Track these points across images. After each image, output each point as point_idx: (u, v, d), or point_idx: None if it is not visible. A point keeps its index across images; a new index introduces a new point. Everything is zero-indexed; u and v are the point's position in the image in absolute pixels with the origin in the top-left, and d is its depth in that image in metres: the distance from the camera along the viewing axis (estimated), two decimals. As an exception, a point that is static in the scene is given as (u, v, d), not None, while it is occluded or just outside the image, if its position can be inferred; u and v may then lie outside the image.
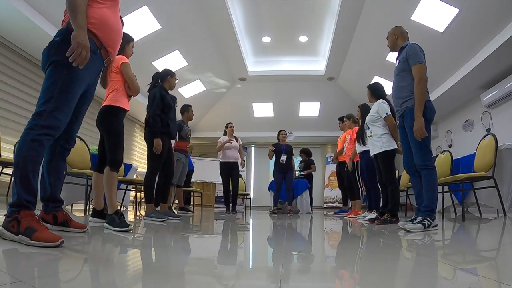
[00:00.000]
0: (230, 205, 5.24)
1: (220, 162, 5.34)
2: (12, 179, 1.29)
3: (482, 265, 1.15)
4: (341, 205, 6.96)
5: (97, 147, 2.39)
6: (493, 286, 0.83)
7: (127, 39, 2.47)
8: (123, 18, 1.82)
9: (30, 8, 4.06)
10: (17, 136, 4.39)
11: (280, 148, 5.54)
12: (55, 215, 1.56)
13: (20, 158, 1.24)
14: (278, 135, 5.71)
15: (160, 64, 6.33)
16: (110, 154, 2.22)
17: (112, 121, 2.21)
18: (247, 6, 5.74)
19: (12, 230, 1.17)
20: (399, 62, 2.41)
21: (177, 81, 3.45)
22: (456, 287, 0.87)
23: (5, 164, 3.66)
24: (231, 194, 5.27)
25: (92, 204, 4.57)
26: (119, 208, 2.19)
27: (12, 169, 1.31)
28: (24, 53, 4.74)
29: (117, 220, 1.99)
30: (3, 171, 3.71)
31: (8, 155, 4.12)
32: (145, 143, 3.16)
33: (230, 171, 5.22)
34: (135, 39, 5.70)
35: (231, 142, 5.23)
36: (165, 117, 3.12)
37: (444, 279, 0.95)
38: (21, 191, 1.22)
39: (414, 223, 2.12)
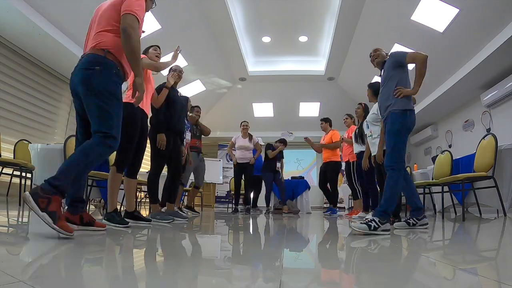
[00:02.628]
0: (248, 205, 5.15)
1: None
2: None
3: (482, 265, 1.15)
4: (341, 205, 6.89)
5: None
6: (493, 286, 0.83)
7: (152, 46, 2.69)
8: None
9: (30, 8, 4.06)
10: (17, 136, 4.40)
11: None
12: (81, 216, 1.69)
13: (83, 158, 1.45)
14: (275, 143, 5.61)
15: (160, 64, 6.33)
16: (117, 154, 2.27)
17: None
18: (247, 6, 5.75)
19: (40, 204, 1.25)
20: (384, 71, 2.47)
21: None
22: (456, 287, 0.87)
23: (5, 164, 3.66)
24: (244, 196, 5.18)
25: (92, 204, 4.60)
26: (117, 208, 2.25)
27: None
28: (24, 53, 4.74)
29: (117, 217, 2.14)
30: (3, 171, 3.71)
31: (8, 155, 4.12)
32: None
33: (241, 172, 5.10)
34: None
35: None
36: (167, 111, 2.98)
37: (444, 279, 0.95)
38: (65, 180, 1.35)
39: (361, 223, 2.01)
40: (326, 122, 5.30)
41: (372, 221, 1.98)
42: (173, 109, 3.04)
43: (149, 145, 2.96)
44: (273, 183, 5.38)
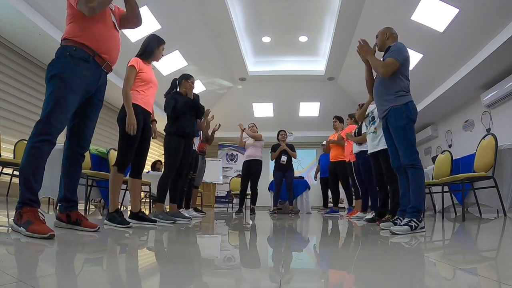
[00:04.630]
0: (250, 205, 5.14)
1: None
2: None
3: (482, 265, 1.15)
4: (341, 205, 6.87)
5: (106, 150, 2.42)
6: (493, 286, 0.83)
7: (159, 42, 2.67)
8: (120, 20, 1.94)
9: (30, 8, 4.05)
10: (17, 136, 4.39)
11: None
12: (68, 214, 1.68)
13: (22, 162, 1.42)
14: (278, 135, 5.67)
15: (160, 64, 6.33)
16: (117, 154, 2.27)
17: (122, 118, 2.23)
18: (247, 6, 5.74)
19: (17, 222, 1.37)
20: (383, 60, 2.37)
21: (194, 84, 3.34)
22: (456, 287, 0.87)
23: (5, 164, 3.66)
24: (250, 195, 5.15)
25: (92, 204, 4.59)
26: (119, 208, 2.24)
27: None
28: (24, 53, 4.74)
29: (118, 218, 2.12)
30: (3, 171, 3.71)
31: (8, 155, 4.12)
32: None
33: (248, 170, 5.07)
34: (135, 39, 5.69)
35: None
36: (178, 119, 3.08)
37: (444, 279, 0.95)
38: (23, 190, 1.40)
39: (401, 225, 2.03)
40: (340, 121, 5.23)
41: (412, 222, 2.02)
42: (184, 117, 3.13)
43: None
44: (283, 182, 5.38)
